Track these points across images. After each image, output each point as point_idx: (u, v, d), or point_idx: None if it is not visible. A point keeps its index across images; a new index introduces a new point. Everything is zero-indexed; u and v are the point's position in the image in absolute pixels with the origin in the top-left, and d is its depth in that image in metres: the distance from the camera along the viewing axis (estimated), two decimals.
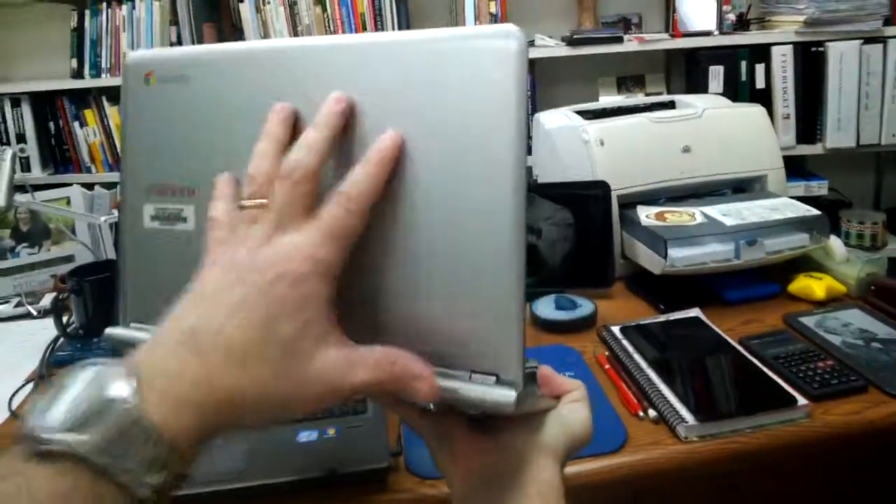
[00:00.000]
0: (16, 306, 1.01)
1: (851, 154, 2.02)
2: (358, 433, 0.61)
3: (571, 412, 0.42)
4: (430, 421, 0.41)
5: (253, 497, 0.55)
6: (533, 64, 2.16)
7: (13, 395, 0.75)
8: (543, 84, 2.21)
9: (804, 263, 0.95)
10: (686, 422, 0.62)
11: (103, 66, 2.18)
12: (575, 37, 2.03)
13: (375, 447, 0.59)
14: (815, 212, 0.95)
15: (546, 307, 0.88)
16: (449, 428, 0.40)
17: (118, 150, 2.25)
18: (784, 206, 0.97)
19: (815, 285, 0.89)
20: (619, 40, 2.03)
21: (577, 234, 0.96)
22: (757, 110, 1.13)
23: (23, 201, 1.01)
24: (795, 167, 2.05)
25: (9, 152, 0.97)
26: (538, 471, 0.39)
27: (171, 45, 2.17)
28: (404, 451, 0.60)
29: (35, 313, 0.98)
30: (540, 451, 0.40)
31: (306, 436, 0.61)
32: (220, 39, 2.20)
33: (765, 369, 0.70)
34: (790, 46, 1.99)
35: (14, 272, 1.05)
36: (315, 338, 0.31)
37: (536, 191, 1.01)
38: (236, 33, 2.18)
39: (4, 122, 2.23)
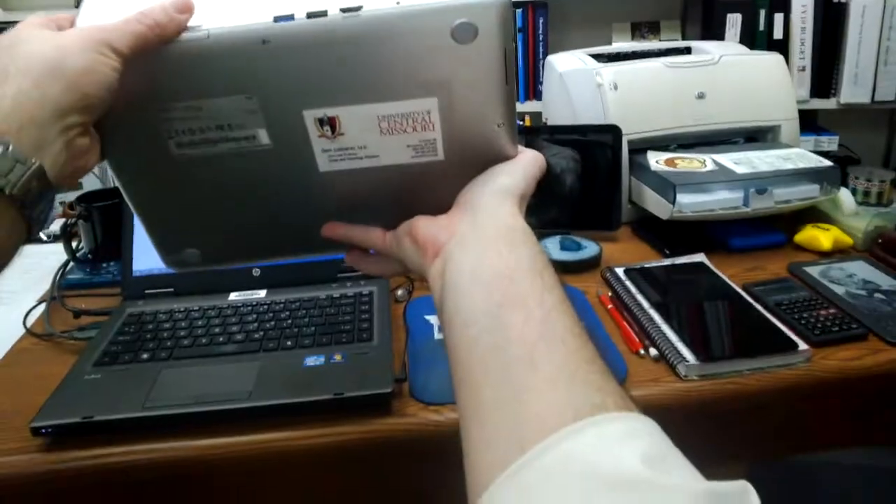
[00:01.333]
0: None
1: (865, 111, 1.99)
2: (363, 360, 0.62)
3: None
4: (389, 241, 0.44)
5: (261, 417, 0.57)
6: (545, 6, 2.10)
7: (27, 315, 0.76)
8: (555, 28, 2.16)
9: (812, 214, 0.95)
10: (687, 361, 0.63)
11: None
12: None
13: (380, 373, 0.60)
14: (827, 163, 0.94)
15: (551, 247, 0.88)
16: (407, 231, 0.42)
17: None
18: (796, 157, 0.96)
19: (821, 236, 0.88)
20: None
21: (585, 174, 0.95)
22: (774, 59, 1.10)
23: None
24: (807, 121, 2.02)
25: None
26: (493, 211, 0.39)
27: None
28: (408, 378, 0.61)
29: (45, 238, 0.98)
30: (490, 195, 0.40)
31: (313, 360, 0.62)
32: None
33: (767, 314, 0.71)
34: None
35: None
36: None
37: (546, 132, 1.00)
38: None
39: None
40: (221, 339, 0.66)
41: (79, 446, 0.55)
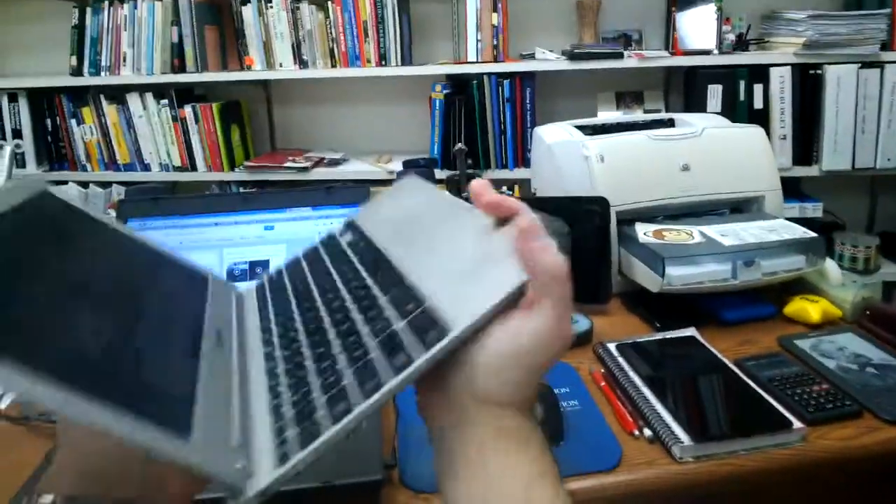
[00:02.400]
0: None
1: (846, 177, 2.03)
2: (352, 445, 0.60)
3: (504, 331, 0.35)
4: None
5: None
6: (532, 77, 2.17)
7: (1, 396, 0.74)
8: (542, 97, 2.22)
9: (800, 285, 0.95)
10: (681, 442, 0.62)
11: (103, 64, 2.18)
12: (575, 51, 2.05)
13: (370, 459, 0.58)
14: (812, 234, 0.95)
15: None
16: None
17: (114, 148, 2.25)
18: (781, 228, 0.98)
19: (810, 308, 0.89)
20: (619, 56, 2.04)
21: (574, 247, 0.96)
22: (756, 131, 1.13)
23: None
24: (791, 188, 2.06)
25: (7, 148, 0.97)
26: (473, 417, 0.35)
27: (172, 46, 2.16)
28: (399, 464, 0.60)
29: None
30: (470, 395, 0.35)
31: None
32: (222, 42, 2.20)
33: (760, 391, 0.70)
34: (788, 68, 2.01)
35: None
36: None
37: (534, 204, 1.01)
38: (238, 37, 2.19)
39: (1, 117, 2.23)
40: None
41: None
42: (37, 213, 0.48)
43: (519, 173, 2.15)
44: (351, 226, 0.59)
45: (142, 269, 0.53)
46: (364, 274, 0.51)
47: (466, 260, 0.43)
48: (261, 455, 0.40)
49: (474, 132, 2.19)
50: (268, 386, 0.45)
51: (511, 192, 1.54)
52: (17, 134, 2.23)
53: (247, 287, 0.60)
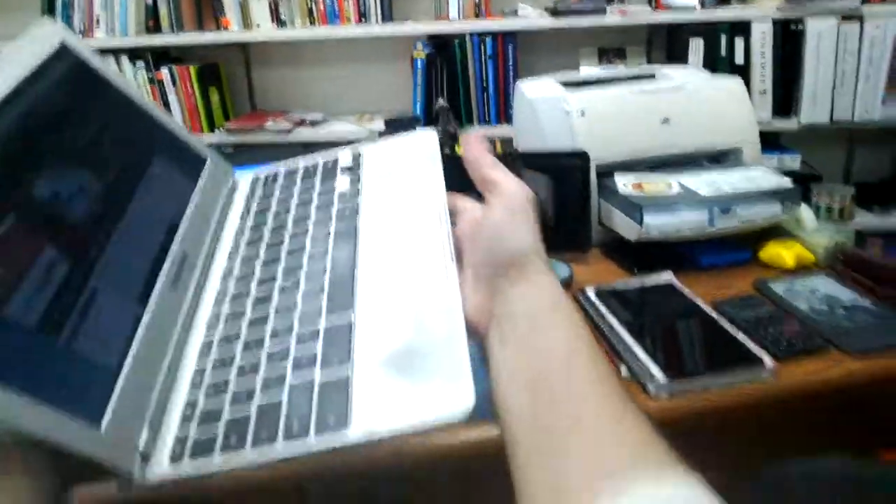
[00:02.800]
0: None
1: (825, 129, 2.06)
2: None
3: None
4: None
5: None
6: (515, 35, 2.15)
7: None
8: (525, 53, 2.21)
9: (775, 232, 0.98)
10: (656, 379, 0.65)
11: (76, 27, 2.13)
12: (558, 7, 2.03)
13: None
14: (788, 182, 0.97)
15: None
16: None
17: None
18: (758, 177, 0.99)
19: (785, 253, 0.91)
20: (602, 12, 2.04)
21: (555, 199, 0.98)
22: (735, 83, 1.14)
23: None
24: (770, 141, 2.09)
25: None
26: (517, 292, 0.41)
27: (146, 7, 2.12)
28: None
29: None
30: (509, 267, 0.41)
31: None
32: (198, 2, 2.16)
33: (734, 332, 0.73)
34: (769, 23, 2.01)
35: None
36: None
37: (517, 159, 1.02)
38: (216, 8, 2.14)
39: None
40: None
41: None
42: (50, 82, 0.46)
43: (502, 129, 2.16)
44: (356, 163, 0.59)
45: (134, 157, 0.52)
46: (329, 244, 0.51)
47: (409, 328, 0.43)
48: (164, 442, 0.41)
49: (457, 90, 2.18)
50: (195, 365, 0.46)
51: (493, 147, 1.54)
52: None
53: (244, 177, 0.60)
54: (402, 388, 0.39)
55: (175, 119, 0.59)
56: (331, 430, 0.38)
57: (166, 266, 0.50)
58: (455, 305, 0.43)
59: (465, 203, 0.46)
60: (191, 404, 0.43)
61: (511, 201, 0.43)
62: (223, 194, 0.59)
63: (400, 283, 0.46)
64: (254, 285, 0.51)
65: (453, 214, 0.45)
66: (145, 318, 0.45)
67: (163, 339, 0.46)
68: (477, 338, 0.42)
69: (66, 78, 0.49)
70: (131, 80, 2.18)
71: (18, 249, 0.39)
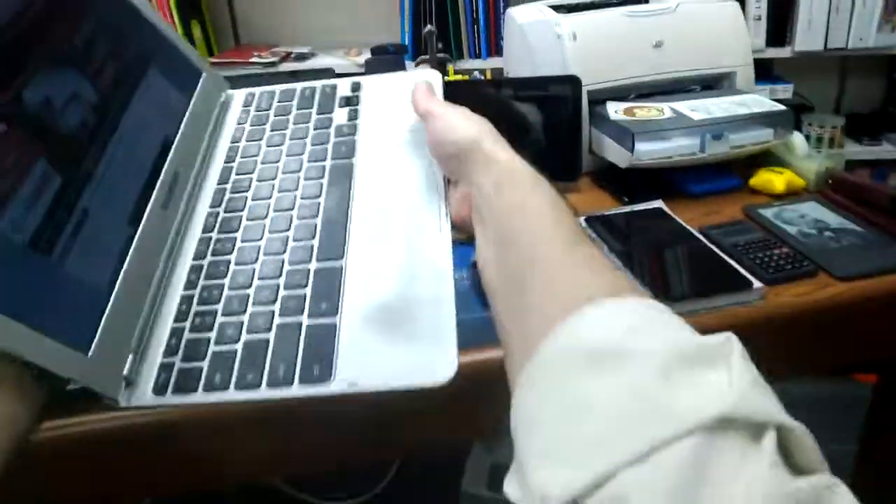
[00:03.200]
0: None
1: (818, 59, 2.03)
2: None
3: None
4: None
5: None
6: None
7: None
8: None
9: (766, 158, 0.97)
10: None
11: None
12: None
13: None
14: (780, 107, 0.96)
15: None
16: None
17: None
18: (751, 102, 0.98)
19: (775, 179, 0.91)
20: None
21: (545, 126, 0.96)
22: (731, 6, 1.11)
23: None
24: (763, 70, 2.06)
25: None
26: (482, 168, 0.46)
27: None
28: None
29: None
30: (470, 153, 0.47)
31: None
32: None
33: (724, 256, 0.73)
34: None
35: None
36: None
37: (506, 85, 0.99)
38: None
39: None
40: None
41: None
42: None
43: (492, 62, 2.11)
44: (355, 96, 0.57)
45: (131, 65, 0.51)
46: (324, 183, 0.50)
47: (394, 284, 0.43)
48: (150, 367, 0.41)
49: (446, 20, 2.12)
50: (182, 292, 0.45)
51: (482, 76, 1.51)
52: None
53: (238, 94, 0.60)
54: (388, 347, 0.40)
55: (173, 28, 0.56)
56: (314, 381, 0.38)
57: (158, 185, 0.49)
58: (446, 268, 0.43)
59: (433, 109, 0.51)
60: (176, 334, 0.43)
61: (450, 109, 0.50)
62: (216, 110, 0.58)
63: (393, 236, 0.46)
64: (244, 217, 0.50)
65: (425, 118, 0.51)
66: (135, 241, 0.45)
67: (151, 265, 0.46)
68: (469, 231, 0.46)
69: None
70: None
71: (7, 160, 0.37)
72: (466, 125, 0.48)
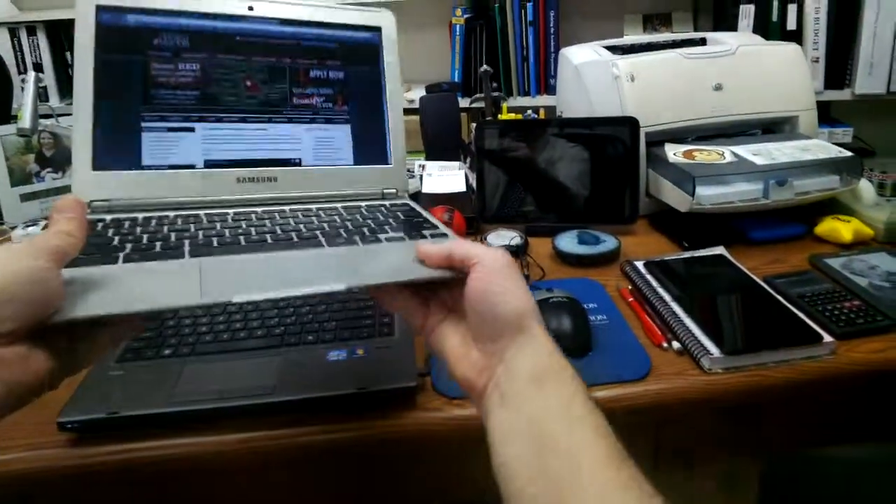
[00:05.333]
0: (43, 228, 1.02)
1: (879, 102, 1.97)
2: (386, 353, 0.62)
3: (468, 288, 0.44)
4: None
5: (285, 411, 0.57)
6: None
7: None
8: (566, 20, 2.15)
9: (832, 206, 0.94)
10: (711, 354, 0.63)
11: None
12: None
13: (404, 367, 0.60)
14: (847, 153, 0.93)
15: (569, 241, 0.88)
16: (443, 356, 0.47)
17: None
18: (815, 148, 0.95)
19: (842, 228, 0.88)
20: None
21: (602, 167, 0.95)
22: (792, 48, 1.09)
23: (47, 123, 1.01)
24: (821, 113, 2.00)
25: (32, 76, 0.96)
26: (519, 353, 0.42)
27: None
28: (432, 372, 0.61)
29: None
30: (513, 331, 0.43)
31: (335, 355, 0.62)
32: None
33: (790, 307, 0.70)
34: None
35: (41, 196, 1.06)
36: None
37: (562, 125, 0.99)
38: None
39: (21, 51, 2.21)
40: (242, 334, 0.66)
41: (104, 442, 0.55)
42: None
43: (542, 100, 2.11)
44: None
45: None
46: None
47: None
48: None
49: (496, 58, 2.14)
50: None
51: (536, 115, 1.51)
52: (38, 68, 2.21)
53: None
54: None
55: None
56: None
57: None
58: None
59: (475, 255, 0.45)
60: None
61: (494, 266, 0.44)
62: None
63: None
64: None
65: (466, 262, 0.45)
66: None
67: None
68: (473, 396, 0.44)
69: None
70: None
71: None
72: (516, 295, 0.43)
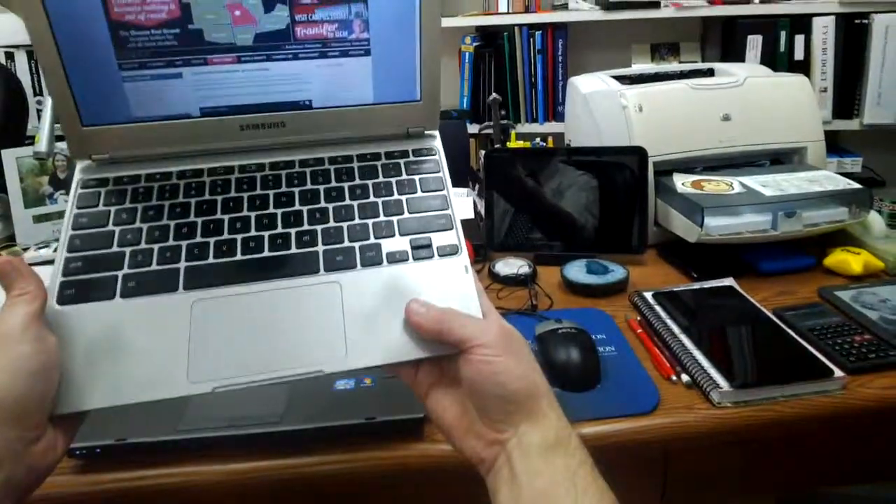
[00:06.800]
0: (55, 250, 1.03)
1: (888, 132, 1.97)
2: (394, 384, 0.62)
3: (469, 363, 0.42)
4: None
5: (292, 441, 0.57)
6: (565, 28, 2.12)
7: None
8: (575, 49, 2.18)
9: (841, 237, 0.94)
10: (720, 387, 0.62)
11: None
12: (610, 0, 1.99)
13: (411, 398, 0.59)
14: (856, 185, 0.93)
15: (577, 271, 0.88)
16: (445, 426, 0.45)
17: None
18: (824, 179, 0.95)
19: (852, 260, 0.87)
20: (656, 5, 1.99)
21: (610, 197, 0.95)
22: (800, 80, 1.10)
23: (62, 147, 1.03)
24: (829, 143, 2.01)
25: (49, 100, 0.98)
26: (529, 428, 0.42)
27: None
28: None
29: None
30: (519, 407, 0.42)
31: (343, 384, 0.62)
32: None
33: (800, 340, 0.70)
34: (832, 17, 1.94)
35: (53, 218, 1.07)
36: None
37: (571, 154, 1.00)
38: None
39: (37, 73, 2.25)
40: None
41: (111, 469, 0.55)
42: None
43: (549, 127, 2.13)
44: None
45: None
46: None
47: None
48: None
49: (504, 85, 2.16)
50: None
51: (544, 143, 1.52)
52: None
53: None
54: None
55: None
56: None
57: None
58: None
59: (472, 338, 0.42)
60: None
61: (496, 345, 0.42)
62: None
63: None
64: None
65: (461, 346, 0.42)
66: None
67: None
68: (480, 468, 0.43)
69: None
70: None
71: None
72: (524, 372, 0.42)
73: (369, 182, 0.55)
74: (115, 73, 0.52)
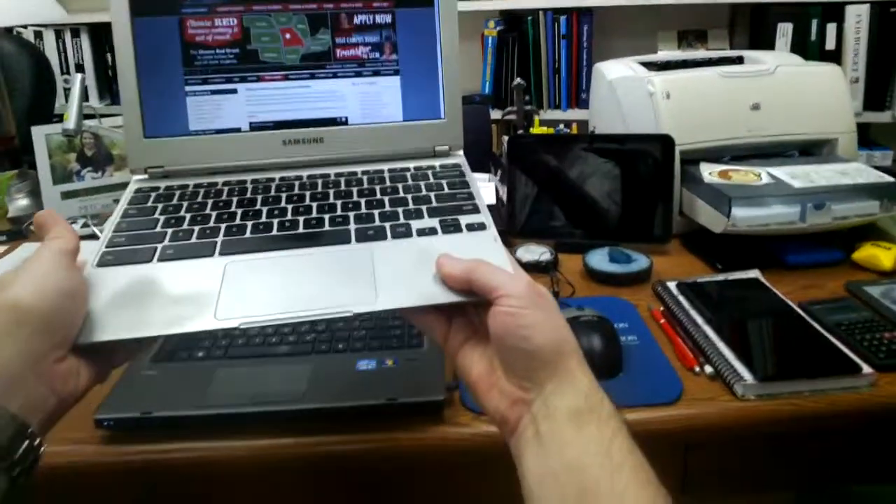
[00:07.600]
0: (82, 227, 1.05)
1: None
2: (415, 366, 0.62)
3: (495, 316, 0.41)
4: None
5: (314, 419, 0.57)
6: (590, 13, 2.09)
7: None
8: (600, 35, 2.15)
9: (871, 231, 0.92)
10: (744, 380, 0.62)
11: None
12: None
13: (432, 380, 0.60)
14: (888, 178, 0.91)
15: (600, 259, 0.87)
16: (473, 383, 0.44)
17: None
18: (854, 171, 0.93)
19: (882, 255, 0.86)
20: None
21: (635, 185, 0.94)
22: (833, 70, 1.07)
23: (90, 124, 1.03)
24: (859, 135, 1.97)
25: (79, 77, 0.99)
26: (558, 389, 0.41)
27: None
28: (460, 387, 0.61)
29: (99, 234, 1.01)
30: (550, 363, 0.41)
31: (365, 364, 0.62)
32: None
33: (827, 335, 0.69)
34: (867, 5, 1.89)
35: (80, 195, 1.08)
36: None
37: (596, 141, 0.98)
38: None
39: (65, 52, 2.27)
40: (274, 339, 0.67)
41: (136, 441, 0.56)
42: None
43: (572, 114, 2.11)
44: None
45: None
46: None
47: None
48: None
49: (528, 71, 2.14)
50: None
51: (568, 129, 1.51)
52: (80, 68, 2.27)
53: None
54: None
55: None
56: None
57: None
58: None
59: (499, 286, 0.41)
60: None
61: (521, 297, 0.41)
62: None
63: None
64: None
65: (488, 294, 0.42)
66: None
67: None
68: (504, 429, 0.42)
69: None
70: None
71: None
72: (552, 331, 0.41)
73: (399, 184, 0.58)
74: (180, 88, 0.60)
